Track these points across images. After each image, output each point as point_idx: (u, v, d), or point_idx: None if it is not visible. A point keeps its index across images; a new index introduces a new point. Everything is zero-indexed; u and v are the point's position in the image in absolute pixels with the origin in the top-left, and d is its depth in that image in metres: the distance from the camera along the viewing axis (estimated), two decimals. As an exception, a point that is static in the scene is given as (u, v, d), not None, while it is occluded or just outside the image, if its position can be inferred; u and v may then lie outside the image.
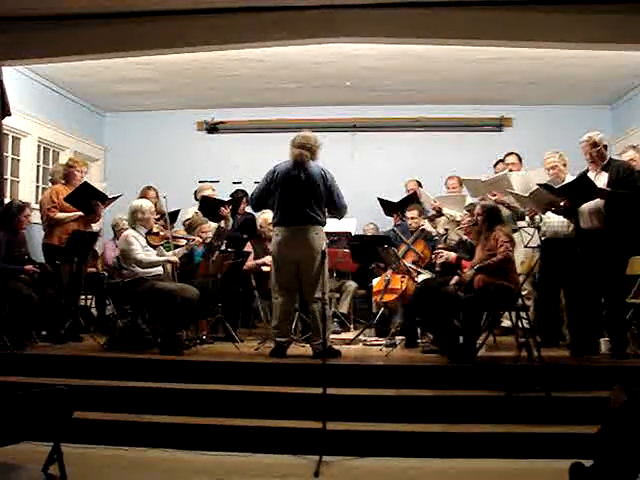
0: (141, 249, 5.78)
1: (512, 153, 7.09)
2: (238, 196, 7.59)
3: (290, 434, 4.40)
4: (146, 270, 5.76)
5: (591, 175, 5.35)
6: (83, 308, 7.03)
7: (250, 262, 7.01)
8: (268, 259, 6.85)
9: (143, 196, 7.07)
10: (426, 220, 6.55)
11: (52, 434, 2.56)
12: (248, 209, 7.85)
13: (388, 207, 7.48)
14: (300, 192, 5.41)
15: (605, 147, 5.44)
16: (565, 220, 5.76)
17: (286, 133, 8.53)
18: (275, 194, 5.52)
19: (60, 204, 6.39)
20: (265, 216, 7.17)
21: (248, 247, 7.10)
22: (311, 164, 5.49)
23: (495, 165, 7.51)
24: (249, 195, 5.76)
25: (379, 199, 7.43)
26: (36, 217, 6.85)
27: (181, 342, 5.64)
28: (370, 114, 9.31)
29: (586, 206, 5.33)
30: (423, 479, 3.99)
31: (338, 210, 5.64)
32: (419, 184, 7.89)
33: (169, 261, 5.91)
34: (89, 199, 6.35)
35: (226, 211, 6.94)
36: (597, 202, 5.27)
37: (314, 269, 5.36)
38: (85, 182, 6.51)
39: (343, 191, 5.67)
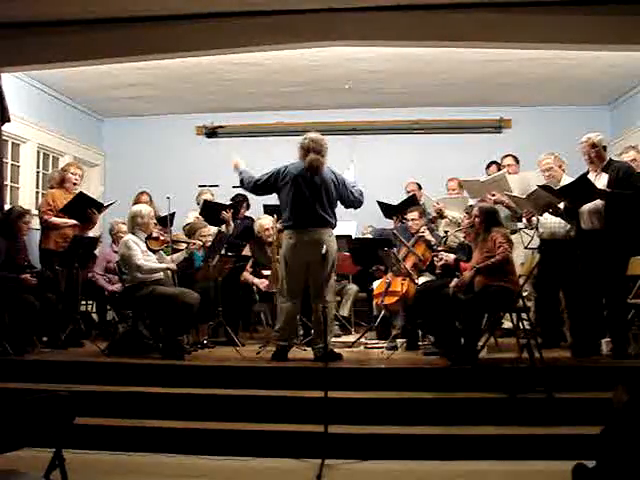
0: (141, 254, 5.78)
1: (509, 155, 7.10)
2: (238, 200, 7.59)
3: (292, 438, 4.40)
4: (146, 275, 5.76)
5: (591, 176, 5.35)
6: (84, 313, 7.02)
7: (248, 275, 6.97)
8: (264, 282, 6.86)
9: (137, 201, 7.08)
10: (426, 229, 6.54)
11: (53, 440, 2.55)
12: (247, 213, 7.85)
13: (387, 210, 7.48)
14: (314, 196, 5.40)
15: (604, 148, 5.45)
16: (562, 221, 5.76)
17: (286, 137, 8.63)
18: (286, 196, 5.49)
19: (56, 208, 6.39)
20: (261, 222, 7.14)
21: (247, 251, 7.10)
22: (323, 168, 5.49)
23: (488, 167, 7.51)
24: (245, 181, 5.72)
25: (378, 202, 7.42)
26: (36, 223, 6.85)
27: (182, 347, 5.63)
28: (370, 117, 9.33)
29: (586, 207, 5.33)
30: (425, 482, 4.00)
31: (357, 203, 5.66)
32: (419, 186, 7.90)
33: (168, 269, 5.90)
34: (85, 208, 6.33)
35: (227, 215, 6.94)
36: (597, 203, 5.27)
37: (327, 271, 5.36)
38: (80, 192, 6.50)
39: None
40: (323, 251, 4.92)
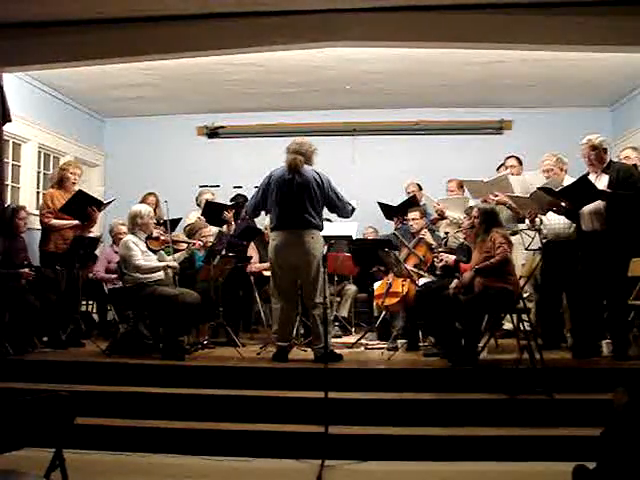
0: (141, 255, 5.78)
1: (512, 156, 7.09)
2: (239, 201, 7.59)
3: (292, 438, 4.40)
4: (147, 275, 5.76)
5: (592, 177, 5.35)
6: (84, 313, 7.03)
7: (256, 265, 7.00)
8: (265, 265, 6.91)
9: (143, 202, 7.07)
10: (427, 231, 6.54)
11: (54, 440, 2.55)
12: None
13: (388, 211, 7.48)
14: (295, 196, 5.43)
15: (605, 150, 5.44)
16: (567, 222, 5.75)
17: (287, 137, 8.53)
18: (271, 199, 5.54)
19: (55, 209, 6.35)
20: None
21: (252, 250, 7.11)
22: (305, 168, 5.50)
23: (498, 169, 7.50)
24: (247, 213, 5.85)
25: (379, 203, 7.43)
26: (36, 223, 6.84)
27: (182, 347, 5.64)
28: (370, 118, 9.33)
29: (587, 208, 5.33)
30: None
31: (342, 210, 5.66)
32: (419, 187, 7.90)
33: (169, 266, 5.90)
34: (85, 206, 6.31)
35: (229, 215, 6.94)
36: (598, 204, 5.27)
37: (312, 273, 5.38)
38: (79, 190, 6.46)
39: (344, 195, 5.68)
40: (324, 251, 4.91)
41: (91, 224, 6.50)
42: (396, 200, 7.43)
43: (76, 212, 6.31)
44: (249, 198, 6.56)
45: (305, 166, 5.52)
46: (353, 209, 5.75)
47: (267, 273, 7.02)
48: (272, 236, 5.56)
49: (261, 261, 7.18)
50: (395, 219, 7.41)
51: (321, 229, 5.56)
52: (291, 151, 5.57)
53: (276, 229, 5.52)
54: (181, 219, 7.06)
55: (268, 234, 7.18)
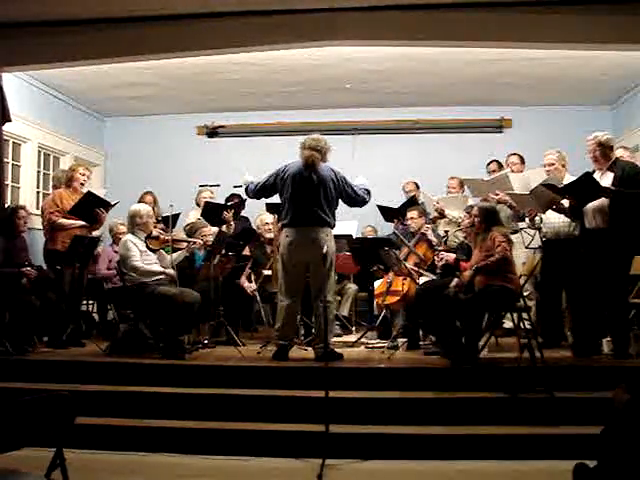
0: (139, 255, 5.78)
1: (514, 154, 7.08)
2: (234, 201, 7.56)
3: (293, 437, 4.40)
4: (143, 277, 5.75)
5: (596, 175, 5.34)
6: (85, 313, 7.02)
7: (243, 281, 6.94)
8: (252, 287, 6.86)
9: (141, 201, 7.06)
10: (429, 228, 6.53)
11: (54, 440, 2.55)
12: (243, 213, 7.81)
13: (387, 213, 7.46)
14: (311, 194, 5.40)
15: (611, 148, 5.44)
16: (566, 220, 5.75)
17: (287, 136, 8.63)
18: (285, 194, 5.50)
19: (63, 209, 6.36)
20: (262, 217, 7.17)
21: (246, 252, 7.09)
22: (322, 166, 5.48)
23: (488, 164, 7.50)
24: (249, 190, 5.74)
25: (378, 206, 7.39)
26: (37, 223, 6.82)
27: (183, 346, 5.63)
28: (370, 117, 9.33)
29: (590, 205, 5.32)
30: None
31: (360, 201, 5.61)
32: (417, 186, 7.89)
33: (165, 274, 5.88)
34: (93, 208, 6.31)
35: (229, 215, 6.93)
36: (601, 201, 5.25)
37: (325, 271, 5.35)
38: (89, 191, 6.47)
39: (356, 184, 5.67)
40: (324, 250, 4.89)
41: (98, 225, 6.50)
42: (396, 199, 7.42)
43: (83, 214, 6.31)
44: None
45: (321, 164, 5.48)
46: (369, 192, 5.65)
47: (267, 272, 7.03)
48: (285, 233, 5.50)
49: (255, 263, 7.12)
50: (395, 220, 7.39)
51: (333, 227, 5.56)
52: (307, 147, 5.51)
53: (290, 226, 5.47)
54: (179, 214, 7.04)
55: (262, 234, 7.22)
